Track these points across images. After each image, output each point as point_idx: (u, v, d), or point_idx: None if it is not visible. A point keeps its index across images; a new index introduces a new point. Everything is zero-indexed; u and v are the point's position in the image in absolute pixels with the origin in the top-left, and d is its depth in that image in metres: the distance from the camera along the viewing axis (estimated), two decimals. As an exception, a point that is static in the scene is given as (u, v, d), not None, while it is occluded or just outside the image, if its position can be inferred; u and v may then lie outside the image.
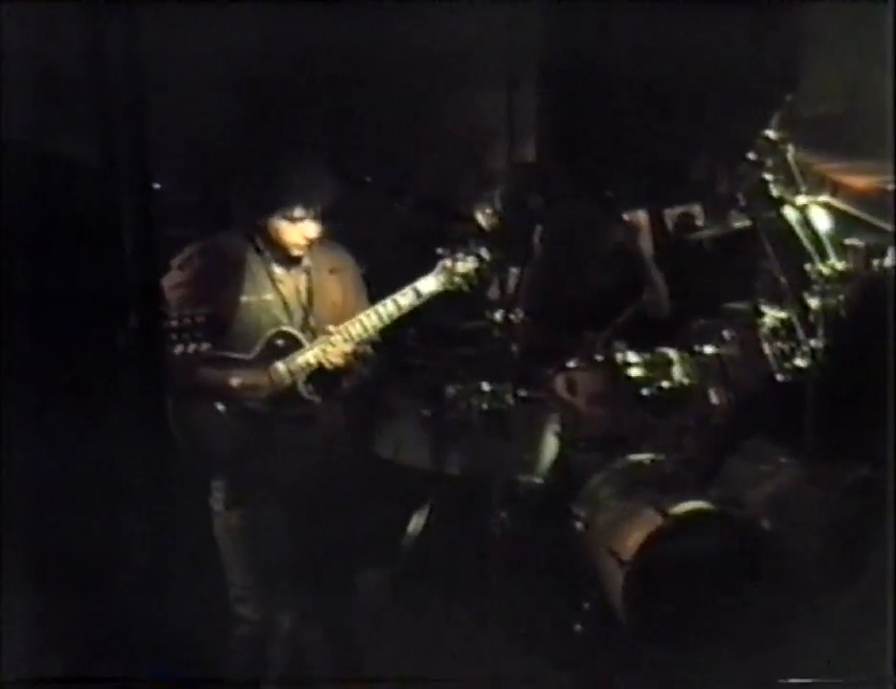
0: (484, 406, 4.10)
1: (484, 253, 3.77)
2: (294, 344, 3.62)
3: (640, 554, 3.63)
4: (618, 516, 3.88)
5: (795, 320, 3.94)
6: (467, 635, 3.86)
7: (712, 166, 4.53)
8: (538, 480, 4.18)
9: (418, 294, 3.70)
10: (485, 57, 4.73)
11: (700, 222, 4.54)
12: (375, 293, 3.76)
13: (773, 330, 3.99)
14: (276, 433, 3.61)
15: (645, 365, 4.11)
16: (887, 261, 4.03)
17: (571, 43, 4.55)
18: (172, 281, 3.47)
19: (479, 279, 3.78)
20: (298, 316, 3.68)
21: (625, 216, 4.55)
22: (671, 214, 4.62)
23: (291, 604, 3.72)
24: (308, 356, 3.62)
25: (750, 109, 4.24)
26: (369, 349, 3.75)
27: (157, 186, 3.13)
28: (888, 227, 3.94)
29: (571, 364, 4.24)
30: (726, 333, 4.11)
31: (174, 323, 3.25)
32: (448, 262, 3.74)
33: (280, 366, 3.60)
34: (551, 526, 4.12)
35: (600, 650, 3.82)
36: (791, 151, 3.94)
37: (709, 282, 4.51)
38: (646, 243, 4.57)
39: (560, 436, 4.21)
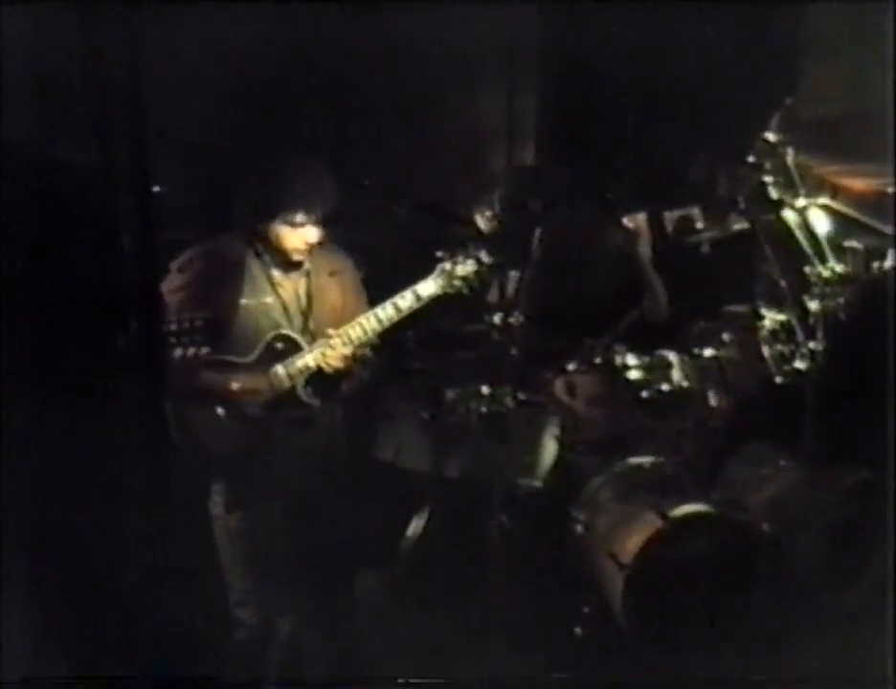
0: (484, 409, 4.09)
1: (484, 256, 3.77)
2: (293, 348, 3.62)
3: (640, 557, 3.63)
4: (618, 519, 3.88)
5: (794, 322, 3.95)
6: (467, 638, 3.86)
7: (712, 169, 4.53)
8: (538, 483, 4.17)
9: (418, 297, 3.70)
10: (485, 59, 4.73)
11: (699, 225, 4.54)
12: (375, 296, 3.76)
13: (773, 333, 4.00)
14: (275, 437, 3.61)
15: (644, 367, 4.11)
16: (887, 264, 4.04)
17: (572, 45, 4.55)
18: (172, 285, 3.47)
19: (478, 283, 3.78)
20: (297, 319, 3.68)
21: (624, 219, 4.55)
22: (670, 217, 4.62)
23: (290, 607, 3.72)
24: (308, 359, 3.62)
25: (749, 111, 4.24)
26: (368, 353, 3.75)
27: (157, 189, 3.13)
28: (888, 229, 3.96)
29: (571, 367, 4.24)
30: (725, 336, 4.12)
31: (174, 327, 3.24)
32: (447, 265, 3.74)
33: (280, 369, 3.60)
34: (551, 529, 4.12)
35: (600, 653, 3.82)
36: (790, 154, 3.95)
37: (709, 285, 4.51)
38: (645, 246, 4.57)
39: (559, 439, 4.20)
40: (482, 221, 3.96)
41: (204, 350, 3.31)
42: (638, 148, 4.72)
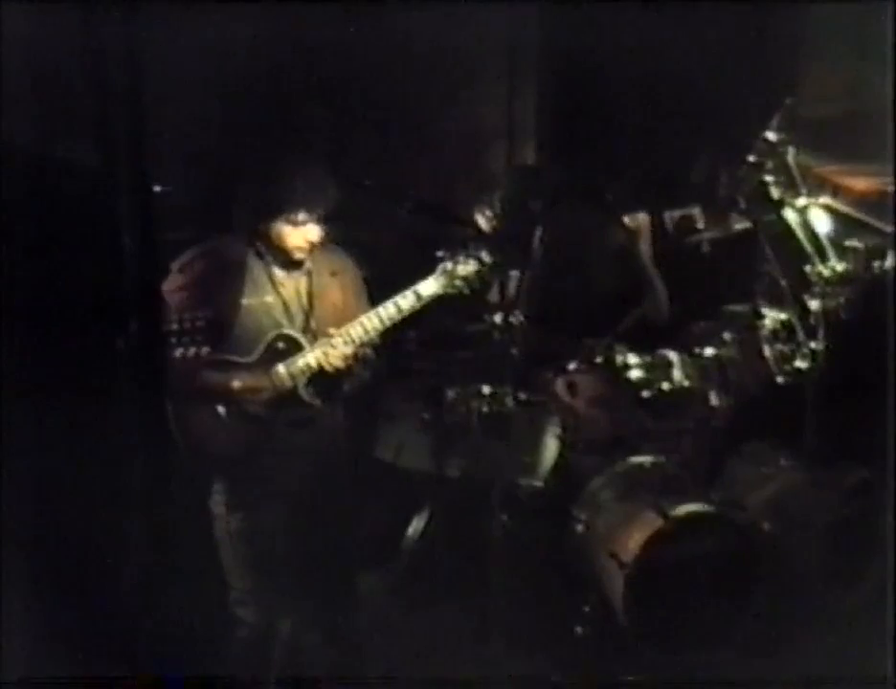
0: (485, 409, 4.09)
1: (485, 255, 3.76)
2: (294, 347, 3.62)
3: (641, 556, 3.63)
4: (619, 518, 3.88)
5: (795, 321, 3.95)
6: (468, 637, 3.87)
7: (712, 169, 4.53)
8: (538, 483, 4.18)
9: (419, 296, 3.70)
10: (485, 59, 4.74)
11: (700, 224, 4.53)
12: (376, 295, 3.76)
13: (774, 332, 4.00)
14: (276, 436, 3.61)
15: (645, 367, 4.11)
16: (887, 263, 4.03)
17: (571, 45, 4.55)
18: (173, 285, 3.46)
19: (479, 282, 3.77)
20: (298, 319, 3.68)
21: (625, 219, 4.55)
22: (671, 217, 4.62)
23: (291, 607, 3.72)
24: (309, 359, 3.61)
25: (750, 111, 4.24)
26: (369, 352, 3.74)
27: (157, 188, 3.13)
28: (888, 229, 3.95)
29: (572, 366, 4.25)
30: (726, 335, 4.12)
31: (175, 327, 3.24)
32: (448, 265, 3.73)
33: (281, 368, 3.60)
34: (552, 529, 4.12)
35: (601, 651, 3.82)
36: (791, 153, 3.95)
37: (709, 285, 4.51)
38: (646, 246, 4.57)
39: (560, 439, 4.21)
40: (483, 221, 3.97)
41: (205, 350, 3.31)
42: (639, 148, 4.73)
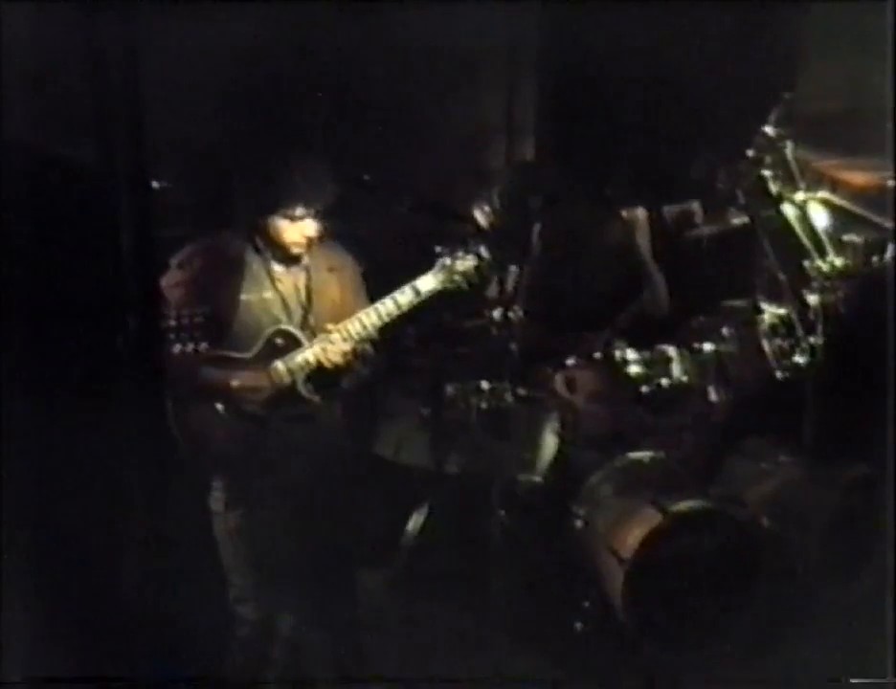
0: (484, 405, 4.08)
1: (483, 251, 3.76)
2: (293, 343, 3.62)
3: (640, 552, 3.63)
4: (618, 514, 3.88)
5: (794, 317, 3.94)
6: (467, 634, 3.86)
7: (711, 164, 4.52)
8: (538, 479, 4.17)
9: (417, 292, 3.70)
10: (485, 57, 4.73)
11: (699, 219, 4.52)
12: (374, 291, 3.76)
13: (773, 327, 4.00)
14: (275, 433, 3.61)
15: (644, 362, 4.11)
16: (886, 258, 4.03)
17: (571, 42, 4.55)
18: (171, 280, 3.47)
19: (478, 278, 3.77)
20: (297, 315, 3.68)
21: (624, 214, 4.54)
22: (670, 212, 4.61)
23: (291, 604, 3.72)
24: (308, 355, 3.61)
25: (748, 107, 4.23)
26: (368, 348, 3.74)
27: (156, 185, 3.12)
28: (887, 223, 3.94)
29: (571, 362, 4.24)
30: (725, 330, 4.12)
31: (173, 323, 3.24)
32: (447, 261, 3.73)
33: (280, 365, 3.60)
34: (551, 525, 4.11)
35: (600, 648, 3.82)
36: (790, 148, 3.93)
37: (708, 280, 4.51)
38: (645, 241, 4.55)
39: (559, 435, 4.20)
40: (482, 216, 3.97)
41: (203, 346, 3.31)
42: (638, 144, 4.72)
